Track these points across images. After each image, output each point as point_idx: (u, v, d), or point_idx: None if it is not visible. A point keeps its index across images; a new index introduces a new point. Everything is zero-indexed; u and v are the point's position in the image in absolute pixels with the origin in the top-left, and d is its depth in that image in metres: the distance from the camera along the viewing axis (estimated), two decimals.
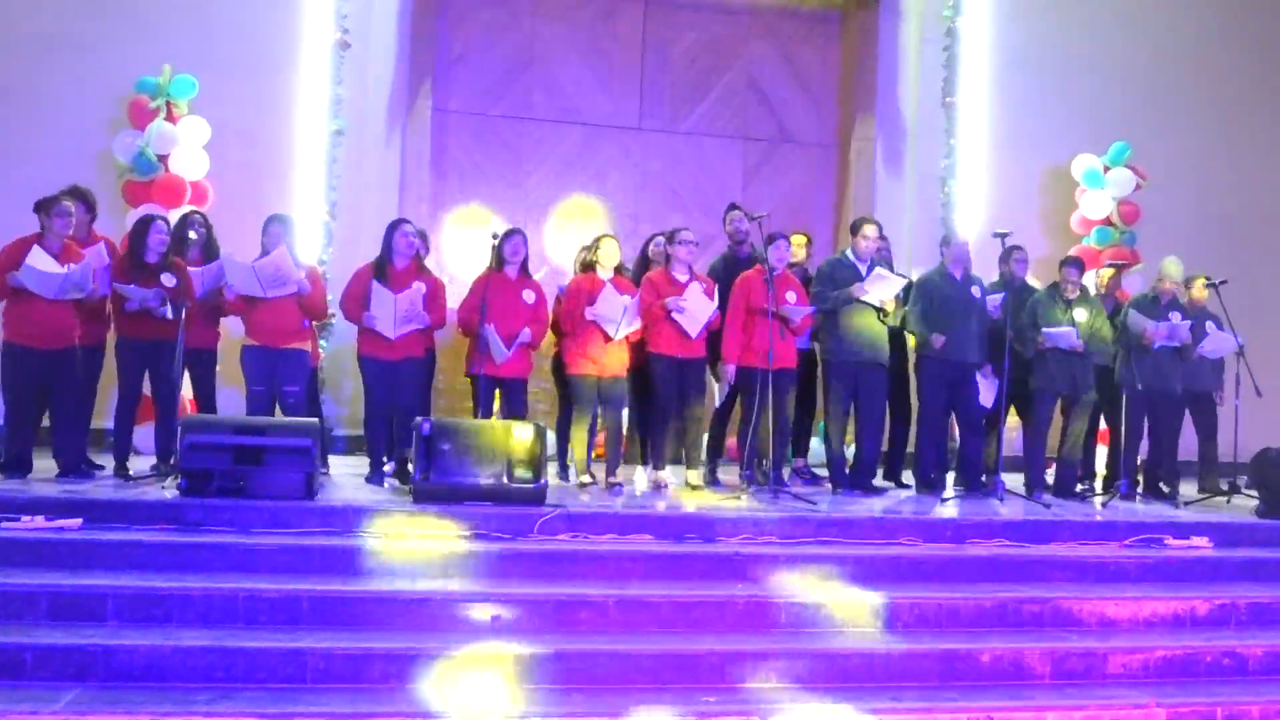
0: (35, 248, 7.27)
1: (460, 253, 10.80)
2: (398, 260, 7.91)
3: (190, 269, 7.77)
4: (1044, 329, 8.42)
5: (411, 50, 10.73)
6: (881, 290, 8.13)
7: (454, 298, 8.35)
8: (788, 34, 12.00)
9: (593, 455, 8.31)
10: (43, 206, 7.41)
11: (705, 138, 11.75)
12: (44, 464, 7.57)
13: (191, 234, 7.86)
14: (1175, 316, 8.80)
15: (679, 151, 11.66)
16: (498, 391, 7.97)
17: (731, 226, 8.91)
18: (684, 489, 8.12)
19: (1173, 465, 8.92)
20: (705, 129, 11.76)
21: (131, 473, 7.52)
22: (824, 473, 8.70)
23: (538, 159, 11.48)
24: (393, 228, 7.98)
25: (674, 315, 8.00)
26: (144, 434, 8.44)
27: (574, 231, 10.96)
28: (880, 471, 8.71)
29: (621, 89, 11.59)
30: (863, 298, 8.08)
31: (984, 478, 8.40)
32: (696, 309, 8.02)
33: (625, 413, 8.60)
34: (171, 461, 7.05)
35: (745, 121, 11.88)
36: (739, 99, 11.87)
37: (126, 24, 9.94)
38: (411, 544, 6.16)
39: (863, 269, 8.37)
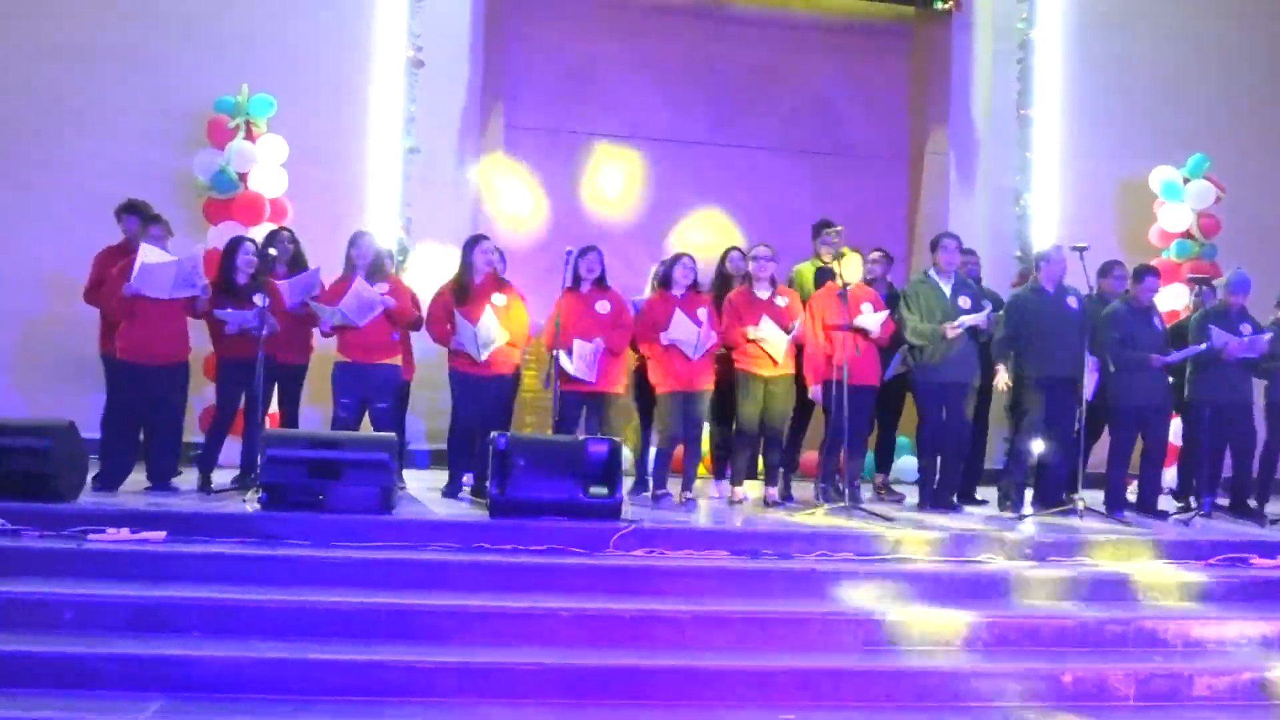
0: (144, 244, 7.41)
1: (532, 270, 10.79)
2: (476, 277, 7.96)
3: (278, 282, 7.88)
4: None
5: (484, 67, 10.80)
6: (971, 320, 8.07)
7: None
8: (854, 48, 11.96)
9: (670, 470, 8.30)
10: (132, 209, 7.69)
11: (771, 152, 11.73)
12: (134, 476, 7.72)
13: (272, 250, 7.93)
14: (1246, 329, 8.61)
15: (744, 167, 11.65)
16: (584, 406, 7.97)
17: (824, 244, 8.81)
18: (760, 504, 8.13)
19: (1265, 482, 8.74)
20: (771, 144, 11.75)
21: (214, 486, 7.62)
22: (905, 489, 8.65)
23: (604, 175, 11.51)
24: (471, 244, 8.04)
25: (755, 339, 8.05)
26: (229, 448, 8.52)
27: (644, 247, 10.98)
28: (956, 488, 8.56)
29: (687, 105, 11.61)
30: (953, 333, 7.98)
31: (1064, 495, 8.20)
32: (774, 338, 8.03)
33: (705, 428, 8.52)
34: (253, 475, 7.14)
35: (812, 136, 11.84)
36: (805, 113, 11.84)
37: (203, 45, 10.07)
38: (487, 558, 6.19)
39: (946, 287, 8.28)
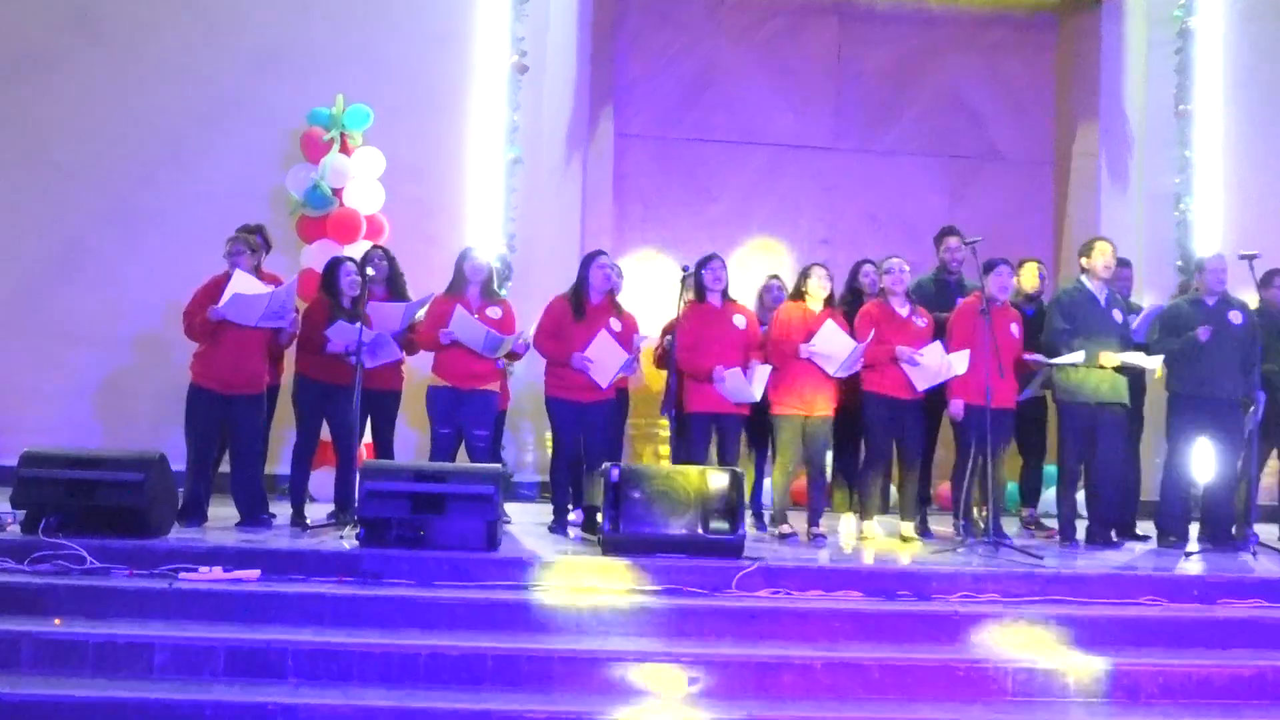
0: (238, 270, 7.53)
1: (645, 285, 10.82)
2: (593, 295, 7.98)
3: (374, 305, 7.89)
4: None
5: (591, 73, 10.87)
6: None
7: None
8: (993, 42, 11.86)
9: (792, 503, 8.25)
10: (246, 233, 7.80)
11: (904, 157, 11.66)
12: (221, 510, 7.77)
13: (370, 270, 7.97)
14: None
15: (876, 173, 11.60)
16: (710, 430, 7.94)
17: (947, 254, 8.77)
18: (894, 540, 8.02)
19: None
20: (904, 147, 11.68)
21: (309, 521, 7.67)
22: (1054, 523, 8.49)
23: (721, 183, 11.53)
24: (589, 260, 8.06)
25: (903, 365, 7.93)
26: (319, 480, 8.63)
27: (761, 259, 11.08)
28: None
29: (811, 107, 11.59)
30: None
31: (1234, 529, 8.01)
32: (933, 365, 7.90)
33: (829, 456, 8.45)
34: (350, 510, 7.20)
35: (948, 138, 11.76)
36: (940, 114, 11.76)
37: (298, 57, 10.30)
38: (600, 599, 6.15)
39: (1101, 296, 8.17)
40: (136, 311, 9.95)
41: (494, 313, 7.91)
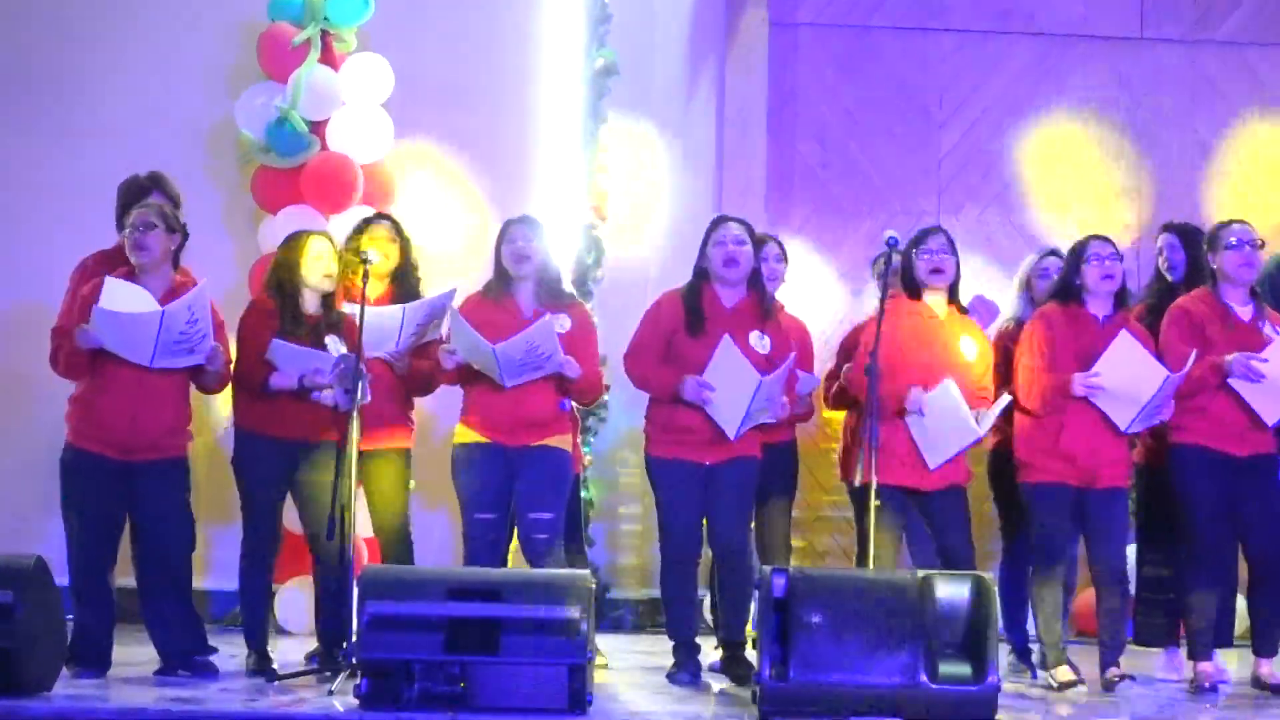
0: (109, 278, 7.26)
1: (810, 269, 10.50)
2: (723, 290, 7.64)
3: (373, 310, 7.62)
4: None
5: None
6: None
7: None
8: None
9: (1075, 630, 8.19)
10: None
11: (1253, 49, 11.23)
12: (131, 649, 7.64)
13: (375, 257, 7.61)
14: None
15: (1209, 72, 11.15)
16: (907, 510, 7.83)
17: None
18: (1248, 692, 7.73)
19: None
20: (1254, 35, 11.23)
21: (277, 666, 7.47)
22: None
23: (956, 97, 11.13)
24: (713, 231, 7.78)
25: (1235, 383, 7.55)
26: (288, 599, 8.52)
27: (1002, 218, 10.89)
28: None
29: None
30: None
31: None
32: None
33: (1131, 553, 8.29)
34: (343, 648, 7.12)
35: None
36: None
37: None
38: None
39: None
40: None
41: (561, 324, 7.63)
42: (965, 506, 7.78)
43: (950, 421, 7.53)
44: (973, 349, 7.76)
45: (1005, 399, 7.66)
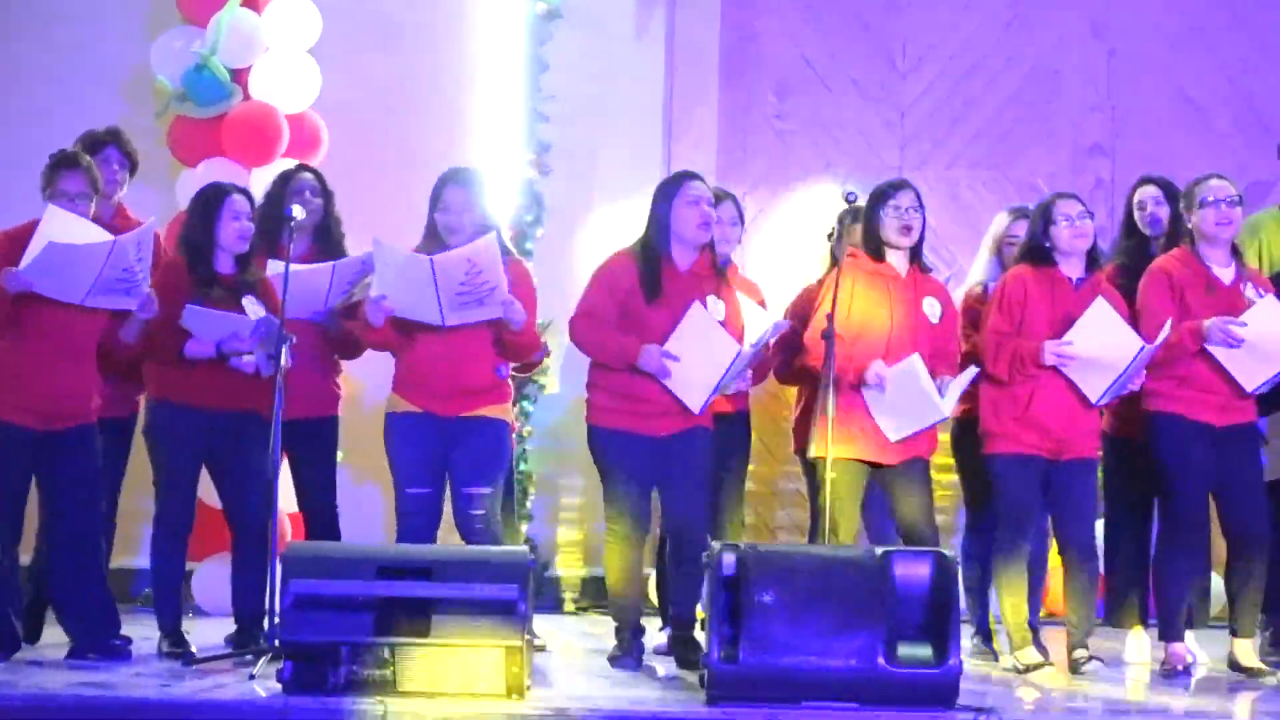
0: (51, 207, 7.17)
1: (763, 226, 10.49)
2: (678, 252, 7.56)
3: (298, 269, 7.57)
4: None
5: None
6: None
7: None
8: None
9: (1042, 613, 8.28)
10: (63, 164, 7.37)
11: None
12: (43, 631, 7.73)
13: (299, 213, 7.54)
14: None
15: (1192, 23, 11.14)
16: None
17: None
18: (1221, 672, 7.78)
19: None
20: None
21: (194, 649, 7.41)
22: None
23: (921, 44, 10.99)
24: (670, 190, 7.69)
25: (1214, 349, 7.55)
26: (206, 576, 8.44)
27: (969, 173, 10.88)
28: None
29: None
30: None
31: None
32: (1268, 336, 7.51)
33: (1100, 530, 8.34)
34: (263, 629, 7.10)
35: None
36: None
37: None
38: None
39: None
40: None
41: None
42: (928, 480, 7.78)
43: (913, 398, 7.52)
44: (937, 310, 7.71)
45: (971, 371, 7.64)
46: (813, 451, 7.61)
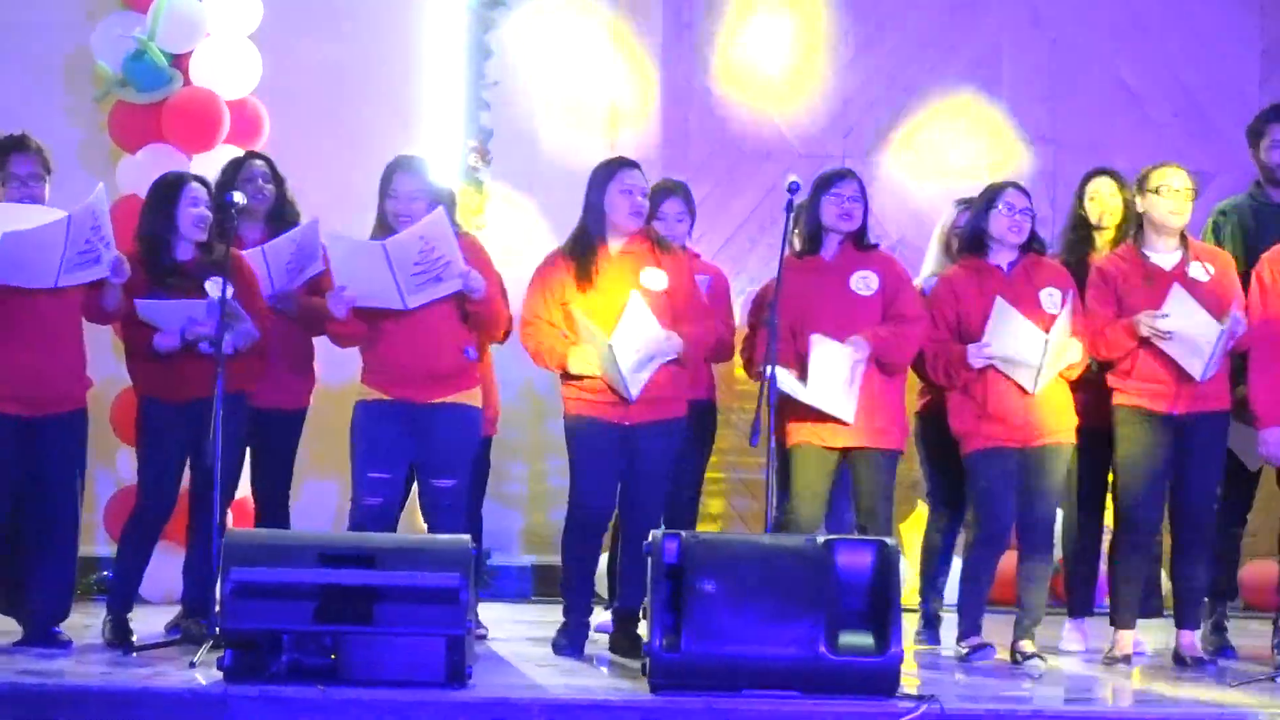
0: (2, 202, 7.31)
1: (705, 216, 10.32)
2: (613, 238, 7.64)
3: (249, 252, 7.72)
4: None
5: None
6: None
7: None
8: None
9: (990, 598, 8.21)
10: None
11: None
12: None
13: (240, 199, 7.55)
14: None
15: (1134, 11, 11.26)
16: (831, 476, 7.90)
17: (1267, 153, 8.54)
18: (1168, 664, 7.84)
19: None
20: None
21: (135, 637, 7.42)
22: None
23: (864, 31, 11.14)
24: (604, 178, 7.71)
25: (1155, 340, 7.65)
26: (160, 564, 8.34)
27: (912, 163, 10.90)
28: None
29: None
30: None
31: None
32: (1196, 329, 7.57)
33: (1058, 522, 8.31)
34: (206, 616, 7.07)
35: None
36: None
37: None
38: None
39: None
40: None
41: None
42: (891, 471, 7.80)
43: (831, 381, 7.55)
44: (869, 285, 7.72)
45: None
46: (756, 439, 7.46)
